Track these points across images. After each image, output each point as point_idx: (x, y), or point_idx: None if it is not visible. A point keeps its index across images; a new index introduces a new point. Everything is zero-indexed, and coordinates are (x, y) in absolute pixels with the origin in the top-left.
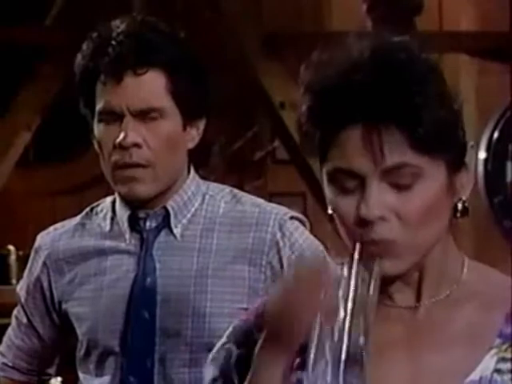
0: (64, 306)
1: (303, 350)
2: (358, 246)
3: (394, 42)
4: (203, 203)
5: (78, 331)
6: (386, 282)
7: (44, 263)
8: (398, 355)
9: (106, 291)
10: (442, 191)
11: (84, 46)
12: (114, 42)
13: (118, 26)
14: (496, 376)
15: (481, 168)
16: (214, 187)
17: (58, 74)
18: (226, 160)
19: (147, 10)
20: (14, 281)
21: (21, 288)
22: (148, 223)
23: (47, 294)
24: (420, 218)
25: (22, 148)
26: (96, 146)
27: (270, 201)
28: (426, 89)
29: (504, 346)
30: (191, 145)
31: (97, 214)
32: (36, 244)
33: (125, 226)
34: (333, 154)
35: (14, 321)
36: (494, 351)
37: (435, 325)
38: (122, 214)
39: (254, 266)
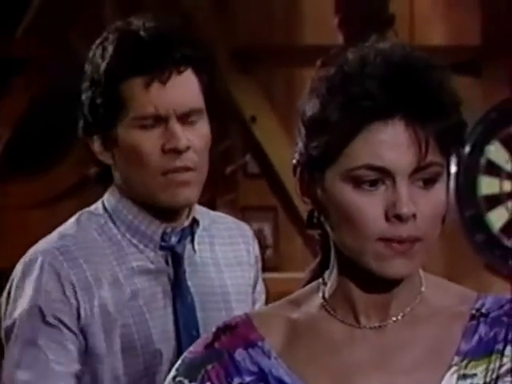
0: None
1: None
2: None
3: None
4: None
5: (116, 363)
6: (386, 288)
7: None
8: (365, 379)
9: (150, 314)
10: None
11: (108, 47)
12: (148, 40)
13: (140, 24)
14: None
15: (452, 182)
16: None
17: (28, 87)
18: None
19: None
20: None
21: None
22: (173, 238)
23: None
24: (437, 217)
25: None
26: (105, 156)
27: (243, 215)
28: (452, 90)
29: (463, 363)
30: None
31: (95, 230)
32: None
33: (154, 242)
34: (357, 150)
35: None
36: (453, 369)
37: (399, 345)
38: (147, 229)
39: (247, 279)
